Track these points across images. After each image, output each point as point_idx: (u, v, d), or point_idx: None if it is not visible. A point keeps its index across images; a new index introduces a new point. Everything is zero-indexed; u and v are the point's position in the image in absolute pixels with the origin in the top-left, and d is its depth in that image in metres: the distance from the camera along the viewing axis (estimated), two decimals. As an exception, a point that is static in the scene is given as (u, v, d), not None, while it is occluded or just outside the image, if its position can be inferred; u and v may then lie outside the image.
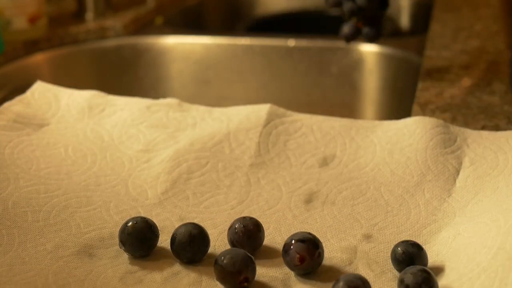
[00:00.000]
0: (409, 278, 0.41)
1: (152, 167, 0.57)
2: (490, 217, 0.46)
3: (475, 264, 0.41)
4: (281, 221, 0.51)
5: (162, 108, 0.63)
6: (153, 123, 0.62)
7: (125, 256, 0.47)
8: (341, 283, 0.40)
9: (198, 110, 0.63)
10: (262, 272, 0.45)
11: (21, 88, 0.66)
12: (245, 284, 0.42)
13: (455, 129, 0.57)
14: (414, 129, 0.57)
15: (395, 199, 0.52)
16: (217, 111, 0.63)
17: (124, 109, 0.64)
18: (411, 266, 0.42)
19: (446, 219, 0.50)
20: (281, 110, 0.61)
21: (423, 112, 0.66)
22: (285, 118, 0.61)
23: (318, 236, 0.49)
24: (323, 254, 0.44)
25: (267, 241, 0.49)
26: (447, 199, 0.52)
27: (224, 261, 0.42)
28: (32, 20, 0.97)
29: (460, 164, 0.54)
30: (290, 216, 0.52)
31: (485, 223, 0.45)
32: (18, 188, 0.52)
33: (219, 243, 0.49)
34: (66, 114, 0.64)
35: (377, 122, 0.59)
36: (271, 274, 0.45)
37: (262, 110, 0.61)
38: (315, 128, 0.60)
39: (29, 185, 0.53)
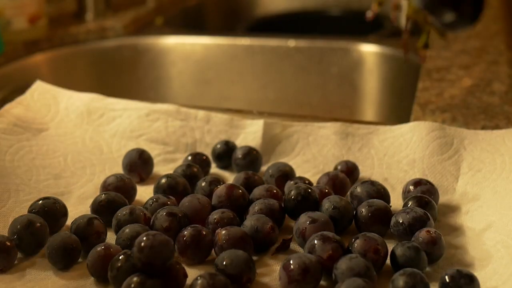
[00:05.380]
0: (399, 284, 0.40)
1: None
2: (500, 242, 0.46)
3: None
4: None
5: (161, 117, 0.63)
6: (152, 137, 0.63)
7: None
8: (343, 285, 0.40)
9: (196, 119, 0.63)
10: (262, 271, 0.45)
11: (21, 88, 0.66)
12: (248, 285, 0.42)
13: (451, 130, 0.56)
14: (411, 137, 0.57)
15: (396, 210, 0.52)
16: (214, 124, 0.63)
17: (123, 116, 0.64)
18: (403, 270, 0.41)
19: (447, 228, 0.49)
20: (275, 125, 0.61)
21: (423, 112, 0.66)
22: (281, 134, 0.61)
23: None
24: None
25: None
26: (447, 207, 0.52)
27: (225, 264, 0.42)
28: (32, 20, 0.97)
29: (458, 170, 0.54)
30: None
31: (497, 249, 0.45)
32: (19, 203, 0.52)
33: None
34: (65, 118, 0.64)
35: (372, 128, 0.59)
36: (270, 274, 0.45)
37: (257, 132, 0.61)
38: (311, 141, 0.60)
39: (29, 199, 0.53)
